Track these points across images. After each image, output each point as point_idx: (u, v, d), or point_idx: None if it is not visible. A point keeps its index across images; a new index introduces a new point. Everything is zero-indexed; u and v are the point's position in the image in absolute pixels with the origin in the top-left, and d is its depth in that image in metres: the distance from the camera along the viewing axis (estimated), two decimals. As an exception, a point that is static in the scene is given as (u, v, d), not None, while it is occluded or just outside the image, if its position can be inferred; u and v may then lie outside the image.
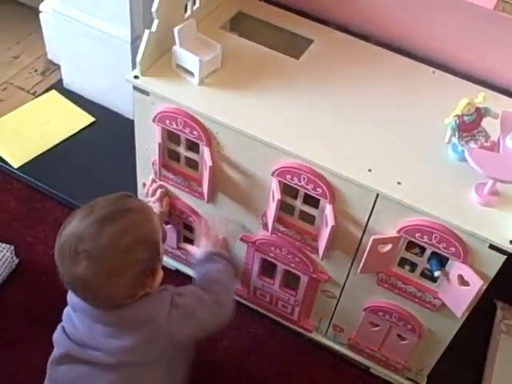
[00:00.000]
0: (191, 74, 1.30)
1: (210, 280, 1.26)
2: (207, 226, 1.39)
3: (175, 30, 1.28)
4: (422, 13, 1.52)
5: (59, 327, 1.17)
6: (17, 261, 1.61)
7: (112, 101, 1.97)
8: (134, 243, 1.07)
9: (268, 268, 1.47)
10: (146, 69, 1.30)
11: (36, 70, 2.16)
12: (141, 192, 1.52)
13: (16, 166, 1.81)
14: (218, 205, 1.41)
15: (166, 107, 1.29)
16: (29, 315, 1.54)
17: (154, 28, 1.28)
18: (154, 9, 1.26)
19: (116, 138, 1.91)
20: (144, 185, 1.49)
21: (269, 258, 1.42)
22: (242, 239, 1.43)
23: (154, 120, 1.32)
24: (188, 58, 1.29)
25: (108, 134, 1.92)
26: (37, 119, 1.94)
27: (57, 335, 1.16)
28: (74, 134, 1.91)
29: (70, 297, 1.14)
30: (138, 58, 1.29)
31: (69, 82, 2.03)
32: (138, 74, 1.30)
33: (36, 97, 2.05)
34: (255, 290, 1.53)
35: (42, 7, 2.05)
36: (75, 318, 1.13)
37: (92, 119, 1.95)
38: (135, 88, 1.31)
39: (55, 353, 1.15)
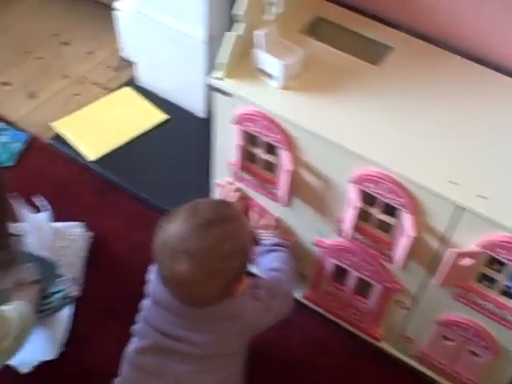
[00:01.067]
0: (272, 77, 1.31)
1: (278, 270, 1.32)
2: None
3: (258, 33, 1.29)
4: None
5: (141, 319, 1.21)
6: (91, 235, 1.68)
7: (184, 99, 1.99)
8: (233, 250, 1.12)
9: (338, 273, 1.47)
10: (228, 71, 1.31)
11: (110, 66, 2.21)
12: (214, 191, 1.54)
13: (92, 159, 1.85)
14: (293, 208, 1.41)
15: (248, 109, 1.29)
16: (102, 305, 1.58)
17: (239, 31, 1.28)
18: (238, 12, 1.27)
19: (188, 136, 1.94)
20: (218, 185, 1.50)
21: (342, 265, 1.42)
22: (315, 244, 1.43)
23: (234, 121, 1.33)
24: (271, 62, 1.29)
25: (180, 131, 1.95)
26: (111, 114, 1.98)
27: (140, 327, 1.21)
28: (147, 131, 1.94)
29: (154, 291, 1.19)
30: (221, 60, 1.30)
31: (143, 79, 2.07)
32: (221, 76, 1.31)
33: (110, 92, 2.10)
34: (325, 294, 1.53)
35: (116, 5, 2.09)
36: (157, 312, 1.18)
37: (165, 116, 1.98)
38: (216, 89, 1.32)
39: (141, 343, 1.21)
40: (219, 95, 1.33)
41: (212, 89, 1.32)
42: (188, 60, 1.88)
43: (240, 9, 1.26)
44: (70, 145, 1.89)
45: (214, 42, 1.83)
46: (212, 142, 1.45)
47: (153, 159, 1.88)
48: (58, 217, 1.64)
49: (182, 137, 1.93)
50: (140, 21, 1.92)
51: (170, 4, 1.81)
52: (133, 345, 1.23)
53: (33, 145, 1.93)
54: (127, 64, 2.19)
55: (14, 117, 2.00)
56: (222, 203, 1.25)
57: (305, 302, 1.58)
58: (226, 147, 1.41)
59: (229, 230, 1.12)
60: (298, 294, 1.55)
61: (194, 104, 1.96)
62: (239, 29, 1.28)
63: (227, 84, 1.31)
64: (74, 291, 1.56)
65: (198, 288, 1.10)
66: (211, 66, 1.85)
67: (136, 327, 1.24)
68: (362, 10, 1.56)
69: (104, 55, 2.23)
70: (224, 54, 1.29)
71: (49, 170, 1.87)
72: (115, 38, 2.19)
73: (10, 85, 2.10)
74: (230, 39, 1.28)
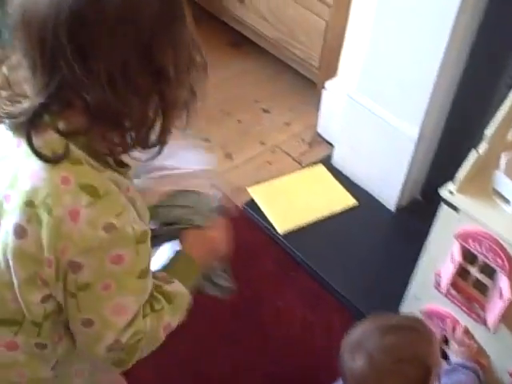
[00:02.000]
0: (507, 202, 1.28)
1: None
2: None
3: (505, 157, 1.27)
4: None
5: None
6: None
7: (378, 188, 2.00)
8: (406, 356, 1.12)
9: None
10: (461, 186, 1.30)
11: (304, 140, 2.27)
12: (404, 293, 1.52)
13: (280, 232, 1.89)
14: (496, 334, 1.35)
15: (475, 228, 1.27)
16: None
17: (482, 151, 1.27)
18: (487, 132, 1.26)
19: (375, 227, 1.94)
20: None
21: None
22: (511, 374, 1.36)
23: (456, 236, 1.31)
24: (510, 188, 1.26)
25: (368, 220, 1.95)
26: (302, 190, 2.02)
27: None
28: (335, 213, 1.96)
29: None
30: (459, 175, 1.29)
31: (337, 159, 2.10)
32: (453, 190, 1.30)
33: (300, 165, 2.15)
34: None
35: (327, 84, 2.15)
36: None
37: (354, 202, 1.99)
38: (445, 201, 1.31)
39: None
40: (445, 207, 1.32)
41: (441, 200, 1.32)
42: (392, 153, 1.89)
43: (489, 130, 1.26)
44: (261, 212, 1.94)
45: (422, 141, 1.83)
46: (423, 249, 1.44)
47: (337, 243, 1.89)
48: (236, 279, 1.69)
49: (368, 226, 1.94)
50: (349, 105, 1.96)
51: (387, 97, 1.84)
52: None
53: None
54: (321, 140, 2.25)
55: (210, 174, 2.09)
56: (411, 317, 1.30)
57: None
58: (436, 257, 1.40)
59: (405, 339, 1.15)
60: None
61: (388, 196, 1.96)
62: (483, 149, 1.28)
63: (458, 199, 1.30)
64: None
65: None
66: (415, 164, 1.87)
67: None
68: None
69: (300, 128, 2.30)
70: (462, 170, 1.29)
71: (236, 232, 1.92)
72: (314, 113, 2.26)
73: (209, 142, 2.21)
74: (471, 157, 1.28)
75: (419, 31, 1.67)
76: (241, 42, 2.55)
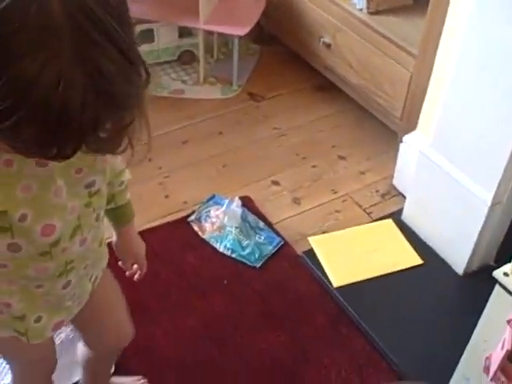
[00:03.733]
0: None
1: None
2: None
3: None
4: None
5: None
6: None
7: (446, 250, 1.90)
8: None
9: None
10: (517, 268, 1.20)
11: (377, 191, 2.20)
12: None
13: (335, 286, 1.83)
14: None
15: (528, 315, 1.17)
16: None
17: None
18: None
19: (439, 290, 1.85)
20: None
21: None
22: None
23: (508, 322, 1.20)
24: None
25: (432, 282, 1.85)
26: (367, 244, 1.96)
27: None
28: (398, 271, 1.88)
29: None
30: (515, 258, 1.19)
31: (407, 215, 2.02)
32: (509, 272, 1.20)
33: (370, 216, 2.09)
34: None
35: (405, 138, 2.08)
36: None
37: (420, 261, 1.90)
38: (499, 283, 1.22)
39: None
40: (500, 289, 1.22)
41: (496, 281, 1.22)
42: (463, 214, 1.79)
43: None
44: (318, 263, 1.89)
45: (497, 206, 1.72)
46: (475, 329, 1.34)
47: (394, 303, 1.81)
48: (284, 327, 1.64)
49: (431, 289, 1.84)
50: (421, 161, 1.88)
51: (461, 158, 1.75)
52: None
53: (283, 250, 1.96)
54: (396, 193, 2.17)
55: (275, 218, 2.06)
56: None
57: None
58: (486, 339, 1.29)
59: None
60: None
61: (456, 258, 1.86)
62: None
63: (513, 283, 1.20)
64: None
65: None
66: (488, 228, 1.77)
67: None
68: None
69: (375, 178, 2.23)
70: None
71: (290, 281, 1.89)
72: (392, 165, 2.19)
73: (279, 185, 2.19)
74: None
75: (499, 94, 1.58)
76: (326, 86, 2.53)
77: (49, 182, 0.88)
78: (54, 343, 1.25)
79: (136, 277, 1.25)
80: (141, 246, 1.24)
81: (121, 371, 1.57)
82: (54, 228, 0.90)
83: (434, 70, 1.91)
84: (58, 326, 1.10)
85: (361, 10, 2.21)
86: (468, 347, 1.37)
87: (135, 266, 1.25)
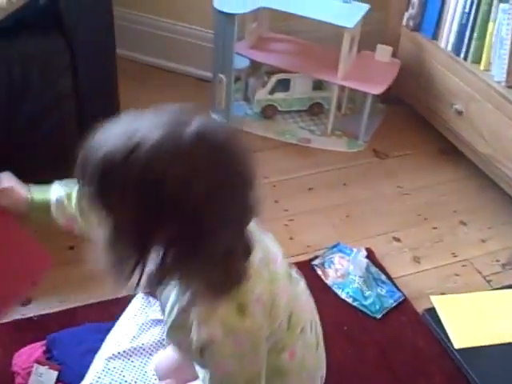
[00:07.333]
0: None
1: None
2: None
3: None
4: None
5: None
6: None
7: None
8: None
9: None
10: None
11: (498, 260, 2.20)
12: None
13: (456, 347, 1.84)
14: None
15: None
16: None
17: None
18: None
19: None
20: None
21: None
22: None
23: None
24: None
25: None
26: (491, 310, 1.96)
27: None
28: (518, 342, 1.88)
29: None
30: None
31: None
32: None
33: (490, 284, 2.09)
34: None
35: None
36: None
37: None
38: None
39: None
40: None
41: None
42: None
43: None
44: (440, 322, 1.91)
45: None
46: None
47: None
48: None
49: None
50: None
51: None
52: None
53: (403, 306, 1.99)
54: (516, 266, 2.18)
55: (396, 274, 2.10)
56: None
57: None
58: None
59: None
60: None
61: None
62: None
63: None
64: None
65: None
66: None
67: None
68: None
69: (496, 247, 2.24)
70: None
71: (409, 336, 1.91)
72: (514, 235, 2.21)
73: (400, 242, 2.23)
74: None
75: None
76: (449, 150, 2.58)
77: None
78: None
79: None
80: None
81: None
82: None
83: None
84: None
85: (499, 82, 2.26)
86: None
87: None
